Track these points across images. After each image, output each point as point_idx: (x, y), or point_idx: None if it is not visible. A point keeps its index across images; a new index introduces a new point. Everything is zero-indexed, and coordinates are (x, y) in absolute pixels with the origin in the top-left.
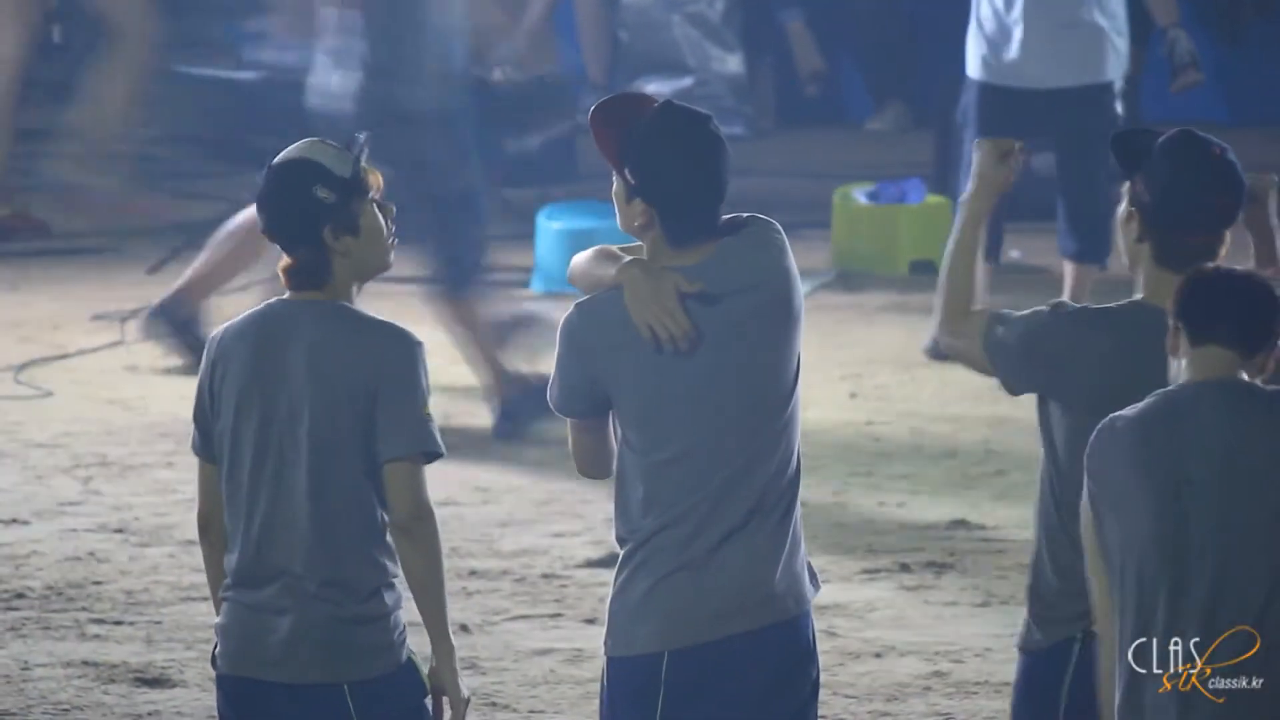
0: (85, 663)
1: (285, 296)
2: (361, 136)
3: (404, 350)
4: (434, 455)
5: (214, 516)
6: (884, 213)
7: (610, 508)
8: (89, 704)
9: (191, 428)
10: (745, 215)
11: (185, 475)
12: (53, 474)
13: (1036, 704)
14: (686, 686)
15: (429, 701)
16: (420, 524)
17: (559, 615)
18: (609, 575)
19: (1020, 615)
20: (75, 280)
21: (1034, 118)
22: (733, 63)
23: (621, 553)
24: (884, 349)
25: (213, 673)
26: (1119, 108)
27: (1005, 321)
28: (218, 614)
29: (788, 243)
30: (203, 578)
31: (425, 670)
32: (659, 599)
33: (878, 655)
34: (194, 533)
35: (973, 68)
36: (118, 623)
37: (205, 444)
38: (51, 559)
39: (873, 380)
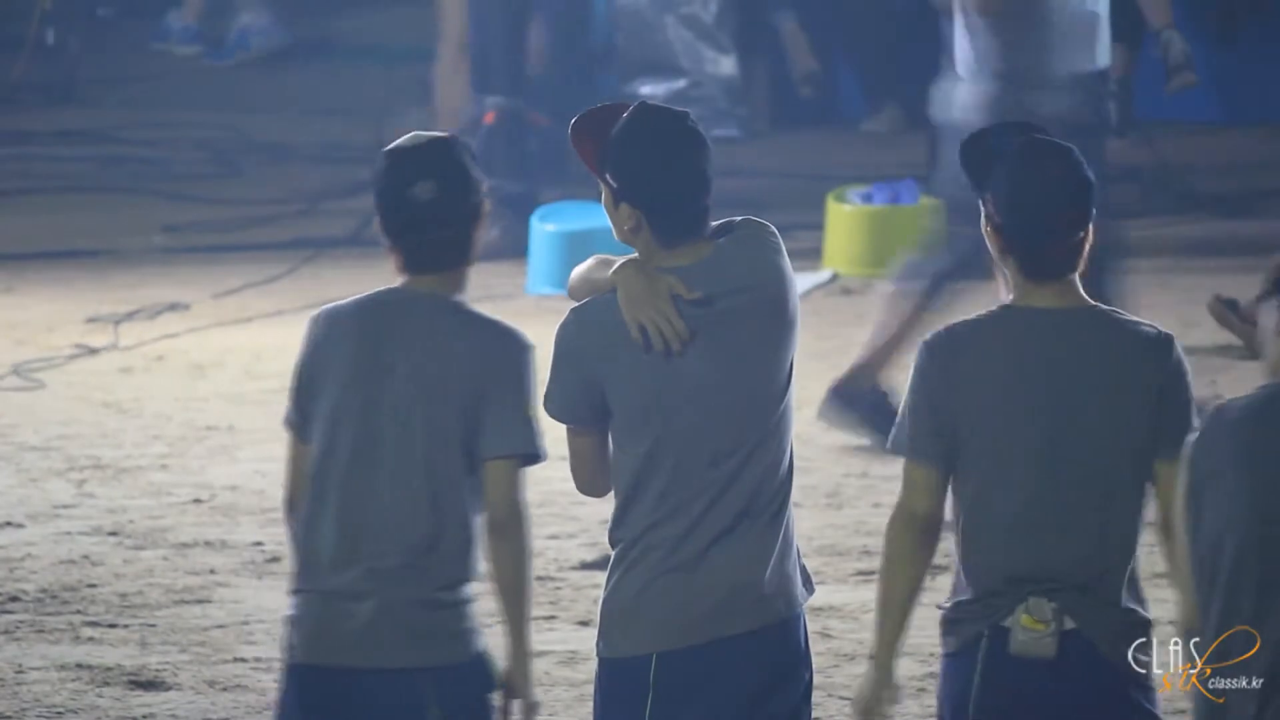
0: (79, 666)
1: (396, 285)
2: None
3: (513, 350)
4: (534, 458)
5: (301, 496)
6: (878, 214)
7: (604, 511)
8: (83, 707)
9: (288, 405)
10: (739, 218)
11: (179, 478)
12: (47, 477)
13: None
14: (675, 689)
15: (496, 700)
16: (514, 524)
17: (553, 617)
18: (603, 577)
19: None
20: (70, 282)
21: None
22: (726, 64)
23: (613, 553)
24: None
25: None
26: (1109, 101)
27: (899, 426)
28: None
29: (782, 244)
30: (197, 580)
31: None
32: (648, 601)
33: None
34: (188, 535)
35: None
36: (112, 625)
37: (303, 424)
38: (45, 562)
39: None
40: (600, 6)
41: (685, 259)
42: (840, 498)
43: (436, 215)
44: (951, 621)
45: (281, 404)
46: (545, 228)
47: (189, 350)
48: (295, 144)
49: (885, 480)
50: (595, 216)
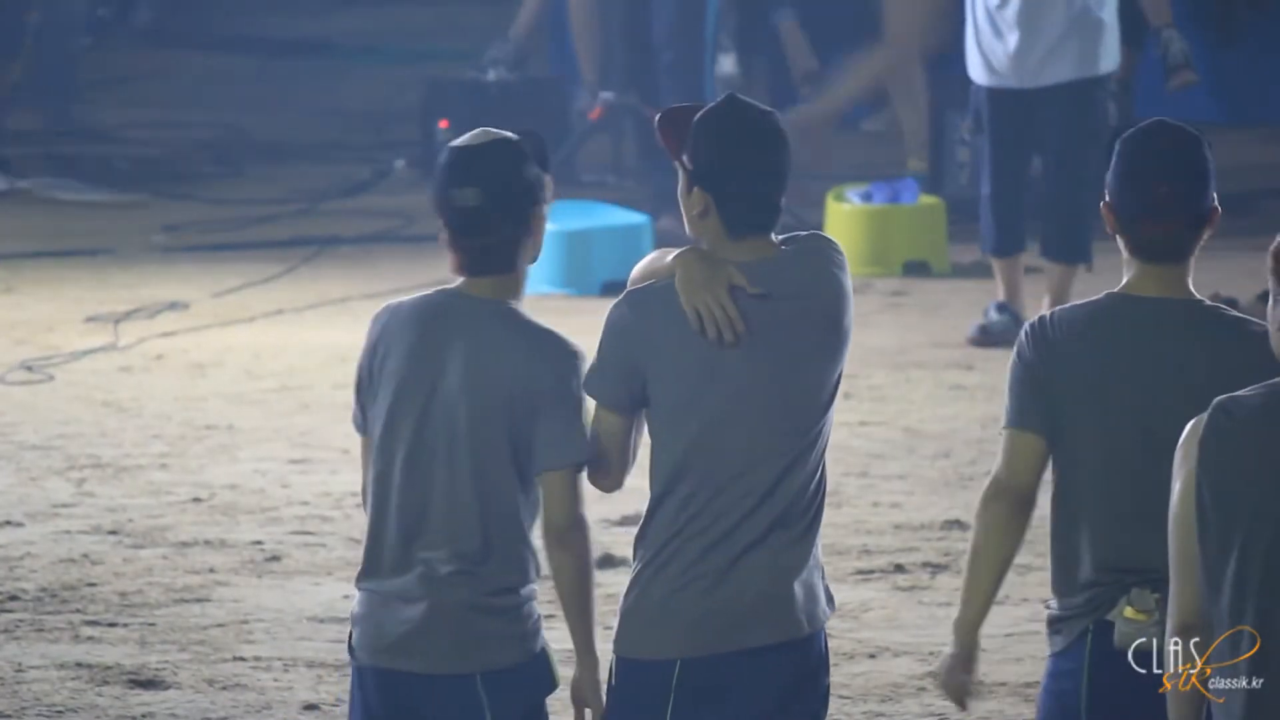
0: (79, 664)
1: (454, 286)
2: (529, 131)
3: (565, 360)
4: (585, 465)
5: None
6: (878, 213)
7: (603, 511)
8: (83, 706)
9: (354, 404)
10: (807, 232)
11: (179, 477)
12: (46, 475)
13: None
14: (697, 695)
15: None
16: (574, 533)
17: (552, 616)
18: (604, 576)
19: (1013, 615)
20: (69, 282)
21: (1038, 114)
22: (726, 63)
23: (640, 552)
24: (878, 349)
25: (206, 673)
26: (1110, 104)
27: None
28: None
29: (846, 262)
30: (197, 579)
31: (559, 669)
32: (677, 606)
33: (872, 656)
34: (187, 534)
35: (976, 73)
36: (111, 624)
37: (365, 422)
38: (45, 561)
39: (867, 381)
40: None
41: (748, 255)
42: (840, 497)
43: (479, 222)
44: (1056, 620)
45: (281, 403)
46: (548, 227)
47: (189, 349)
48: (295, 144)
49: (885, 480)
50: (596, 216)
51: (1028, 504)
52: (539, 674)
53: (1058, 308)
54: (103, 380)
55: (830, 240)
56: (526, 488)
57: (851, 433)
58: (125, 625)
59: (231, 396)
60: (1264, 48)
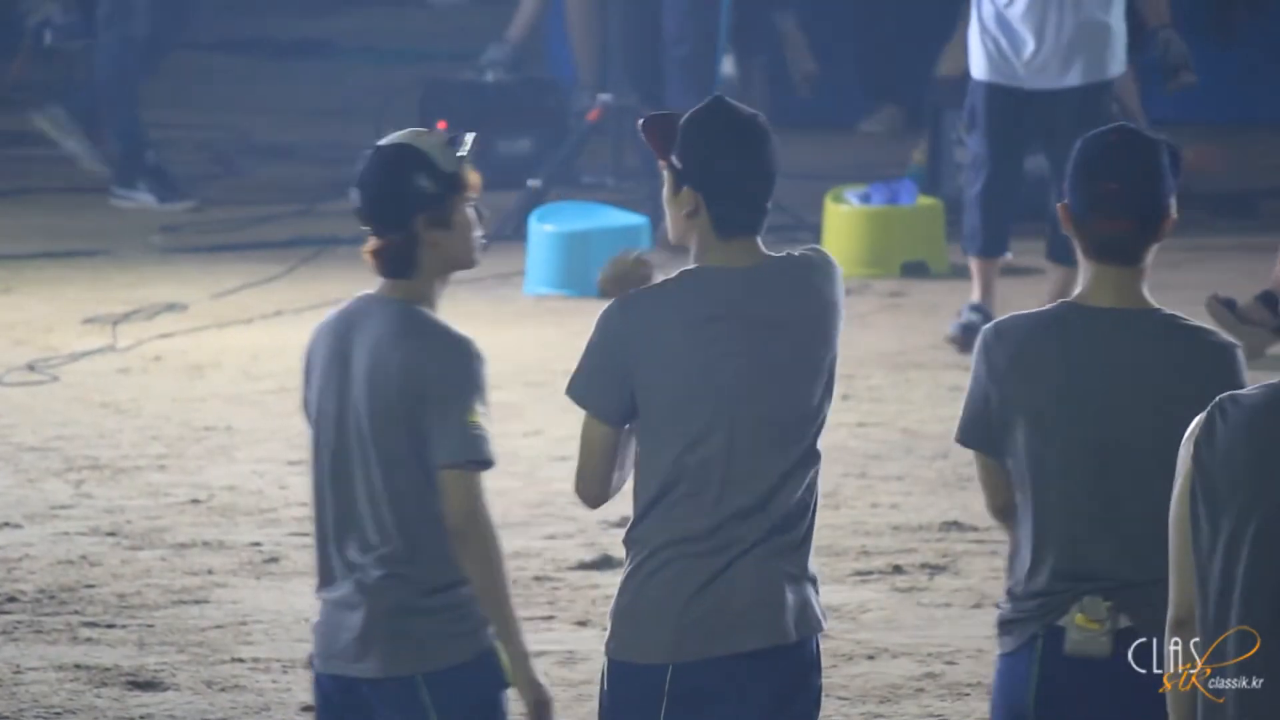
0: (77, 666)
1: (371, 292)
2: (469, 135)
3: (455, 357)
4: (486, 464)
5: None
6: (876, 214)
7: (602, 512)
8: (81, 707)
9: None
10: (804, 245)
11: (177, 478)
12: (45, 477)
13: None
14: (689, 699)
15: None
16: (471, 531)
17: (551, 618)
18: (601, 578)
19: None
20: (67, 283)
21: (1037, 117)
22: (725, 65)
23: (632, 556)
24: (877, 350)
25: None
26: (1114, 107)
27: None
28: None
29: (840, 278)
30: (195, 580)
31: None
32: (669, 610)
33: (870, 657)
34: (185, 535)
35: (978, 69)
36: (110, 626)
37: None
38: (43, 562)
39: (865, 382)
40: None
41: (739, 259)
42: (838, 498)
43: (367, 223)
44: (1007, 622)
45: (279, 404)
46: (543, 228)
47: (187, 351)
48: (294, 144)
49: (883, 481)
50: (594, 217)
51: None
52: (485, 672)
53: (1010, 315)
54: (101, 381)
55: (827, 255)
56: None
57: (850, 433)
58: (124, 627)
59: (230, 398)
60: (1262, 49)
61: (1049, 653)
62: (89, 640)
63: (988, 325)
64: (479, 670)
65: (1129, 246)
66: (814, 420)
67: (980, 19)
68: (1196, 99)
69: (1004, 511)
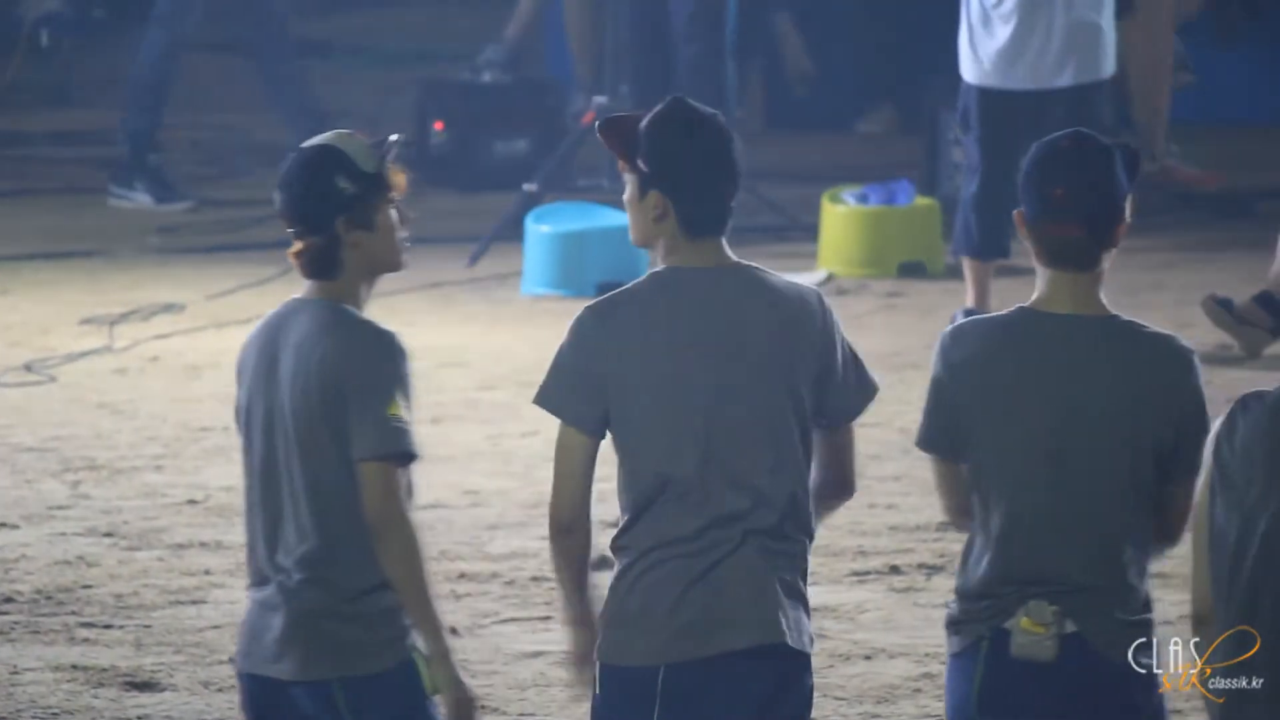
0: (74, 667)
1: (298, 295)
2: (394, 136)
3: (375, 350)
4: (403, 456)
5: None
6: (873, 215)
7: (600, 512)
8: (78, 708)
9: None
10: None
11: (174, 479)
12: (42, 477)
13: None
14: (681, 700)
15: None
16: (388, 526)
17: (548, 618)
18: (598, 578)
19: None
20: (64, 284)
21: (1031, 119)
22: None
23: (620, 561)
24: (873, 351)
25: (202, 675)
26: (1108, 108)
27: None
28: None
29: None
30: (192, 581)
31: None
32: (657, 613)
33: (867, 657)
34: (183, 536)
35: (968, 71)
36: (107, 626)
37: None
38: (40, 563)
39: None
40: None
41: (708, 259)
42: None
43: (290, 225)
44: (955, 622)
45: None
46: (540, 229)
47: (184, 351)
48: (291, 145)
49: (880, 481)
50: (590, 218)
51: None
52: (404, 681)
53: (969, 319)
54: (98, 382)
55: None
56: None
57: None
58: (121, 627)
59: (227, 398)
60: (1260, 50)
61: (994, 655)
62: (86, 641)
63: (946, 329)
64: (398, 679)
65: (1081, 252)
66: (791, 421)
67: (969, 20)
68: (1194, 99)
69: (961, 512)
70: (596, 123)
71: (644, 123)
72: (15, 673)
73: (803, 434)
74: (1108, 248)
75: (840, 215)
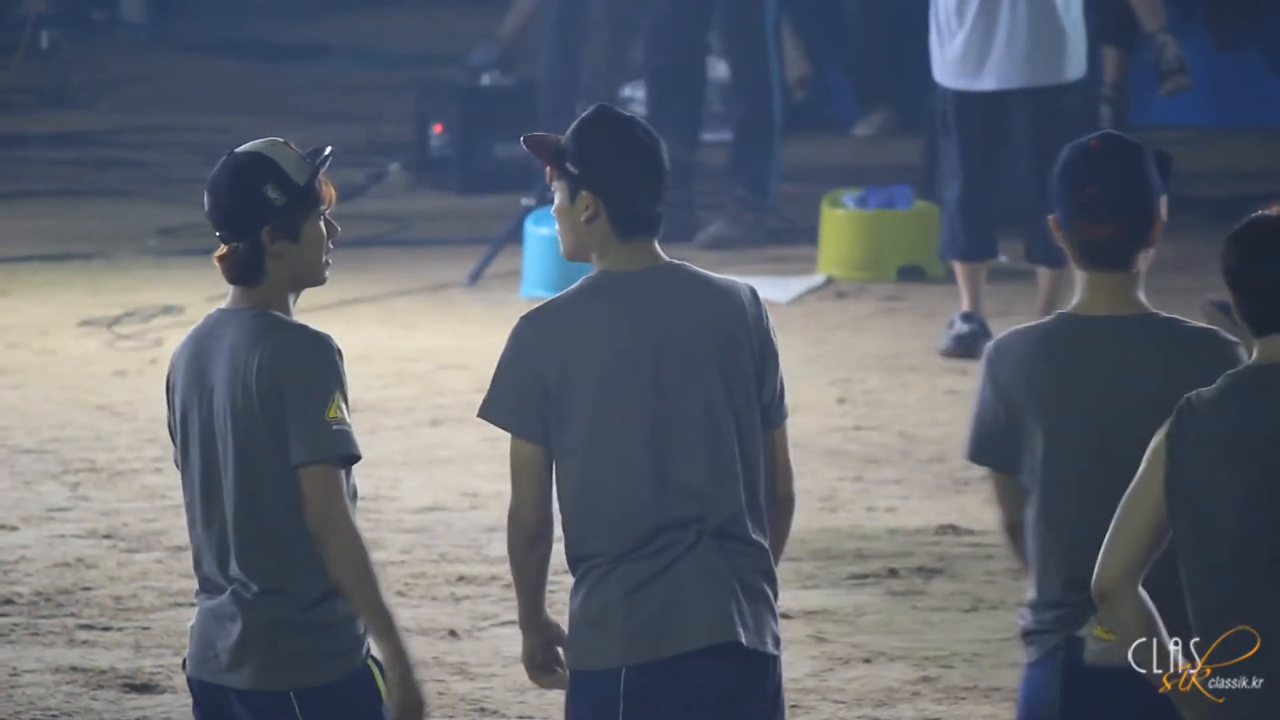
0: (74, 669)
1: (224, 305)
2: (327, 149)
3: (310, 353)
4: (344, 458)
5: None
6: (872, 218)
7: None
8: (77, 710)
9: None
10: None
11: (173, 481)
12: (41, 479)
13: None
14: (645, 701)
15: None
16: (332, 530)
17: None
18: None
19: (1007, 620)
20: (63, 286)
21: (1001, 120)
22: (720, 68)
23: (577, 571)
24: (872, 354)
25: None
26: (1075, 112)
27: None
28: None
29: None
30: (191, 583)
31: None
32: (615, 615)
33: (867, 661)
34: (182, 538)
35: (939, 74)
36: (106, 629)
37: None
38: (40, 565)
39: (861, 385)
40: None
41: (641, 261)
42: (835, 501)
43: (215, 229)
44: (1030, 632)
45: None
46: (539, 232)
47: None
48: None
49: (880, 484)
50: None
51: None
52: (361, 691)
53: (1012, 331)
54: (97, 384)
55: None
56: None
57: (846, 437)
58: (120, 629)
59: None
60: (1258, 52)
61: (1071, 663)
62: (85, 643)
63: (990, 343)
64: (356, 689)
65: (1116, 251)
66: (738, 421)
67: (936, 23)
68: (1192, 102)
69: (1017, 526)
70: (522, 138)
71: (571, 127)
72: (14, 674)
73: (752, 433)
74: (1143, 247)
75: (840, 219)
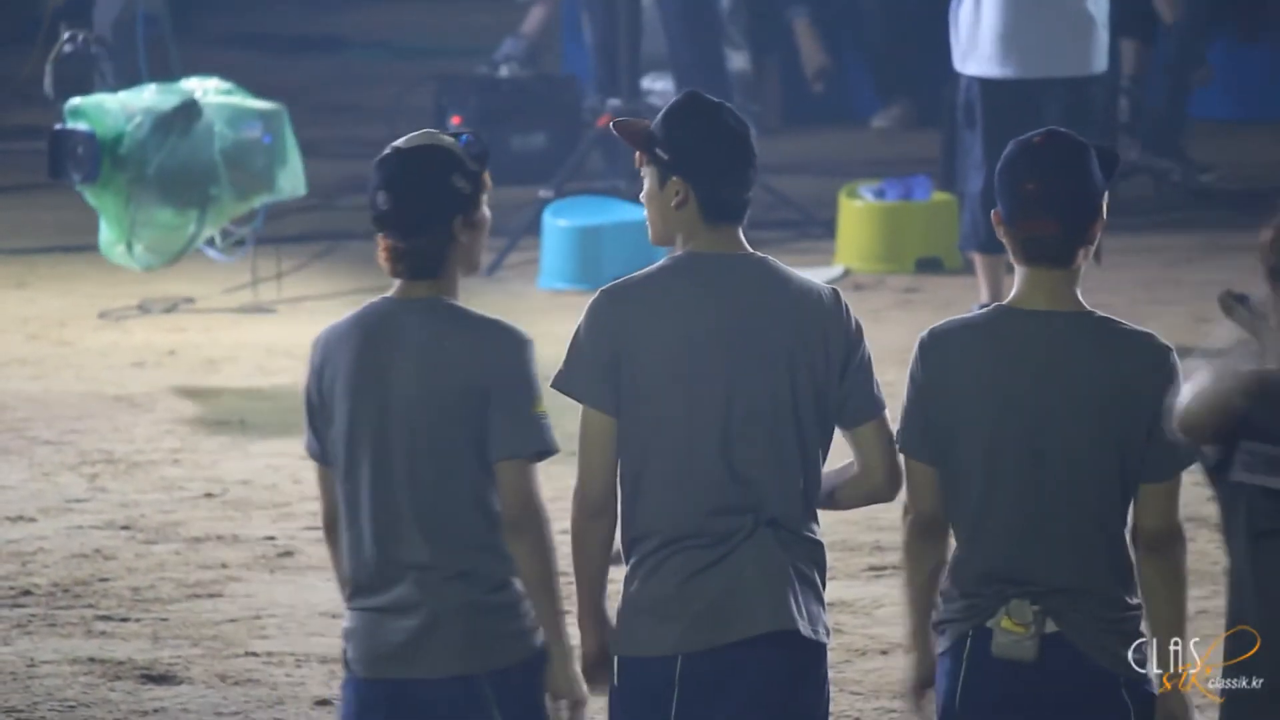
0: (91, 660)
1: (388, 294)
2: (473, 134)
3: (515, 348)
4: (546, 453)
5: (338, 518)
6: (890, 210)
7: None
8: (95, 701)
9: (306, 433)
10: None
11: (191, 472)
12: (59, 471)
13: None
14: (700, 689)
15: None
16: (530, 522)
17: (567, 612)
18: (613, 573)
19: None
20: (81, 277)
21: (1031, 110)
22: (739, 60)
23: (632, 554)
24: (891, 346)
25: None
26: (1100, 105)
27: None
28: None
29: (822, 291)
30: (209, 574)
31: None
32: (673, 602)
33: (884, 652)
34: (200, 529)
35: (966, 63)
36: (124, 619)
37: (321, 449)
38: (58, 556)
39: (880, 378)
40: None
41: (726, 246)
42: None
43: (396, 226)
44: (941, 621)
45: (293, 398)
46: (558, 223)
47: (201, 345)
48: (307, 139)
49: None
50: (607, 212)
51: (936, 526)
52: (539, 671)
53: (947, 320)
54: (115, 375)
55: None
56: (494, 480)
57: None
58: (138, 620)
59: (244, 392)
60: (1277, 45)
61: (976, 654)
62: (103, 634)
63: (924, 332)
64: (539, 668)
65: (1055, 247)
66: (805, 415)
67: (963, 10)
68: (1213, 95)
69: (931, 517)
70: (611, 124)
71: (661, 113)
72: (33, 665)
73: (814, 430)
74: (1083, 244)
75: (857, 210)
